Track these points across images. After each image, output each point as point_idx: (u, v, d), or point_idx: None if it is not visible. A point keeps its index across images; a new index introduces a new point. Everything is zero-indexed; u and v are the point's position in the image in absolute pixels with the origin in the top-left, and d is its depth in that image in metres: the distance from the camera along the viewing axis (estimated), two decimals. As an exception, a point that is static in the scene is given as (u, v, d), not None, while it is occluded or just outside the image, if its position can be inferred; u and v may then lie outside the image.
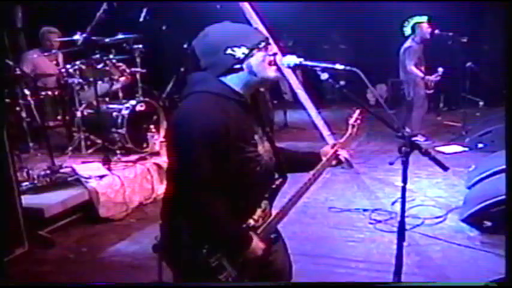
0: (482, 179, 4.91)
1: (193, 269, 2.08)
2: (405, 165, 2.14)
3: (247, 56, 2.03)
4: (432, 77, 7.38)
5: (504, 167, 4.78)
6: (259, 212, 2.17)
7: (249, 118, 2.10)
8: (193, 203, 2.01)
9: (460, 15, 8.74)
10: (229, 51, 2.01)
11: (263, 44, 2.07)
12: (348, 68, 2.12)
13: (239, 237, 2.10)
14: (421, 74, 7.35)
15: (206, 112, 1.96)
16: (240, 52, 2.01)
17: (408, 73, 7.45)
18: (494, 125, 6.90)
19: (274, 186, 2.24)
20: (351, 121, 2.55)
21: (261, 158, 2.12)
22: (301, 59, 2.15)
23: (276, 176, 2.25)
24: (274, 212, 2.25)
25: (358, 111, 2.54)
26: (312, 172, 2.32)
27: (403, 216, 2.27)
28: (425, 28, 7.37)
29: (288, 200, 2.22)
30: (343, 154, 2.47)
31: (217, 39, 2.04)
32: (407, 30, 7.48)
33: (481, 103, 9.16)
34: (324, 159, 2.40)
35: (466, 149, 6.92)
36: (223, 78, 2.05)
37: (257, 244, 2.11)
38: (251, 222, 2.15)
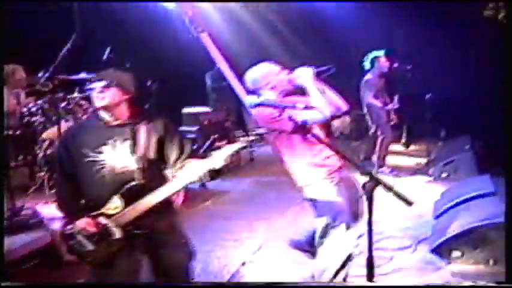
0: (449, 209, 4.97)
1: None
2: (370, 201, 2.15)
3: None
4: (390, 106, 7.57)
5: (470, 195, 4.91)
6: (109, 205, 2.78)
7: (103, 133, 2.84)
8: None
9: (419, 48, 9.01)
10: None
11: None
12: (308, 106, 2.14)
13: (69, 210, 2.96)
14: (379, 104, 7.52)
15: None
16: None
17: (369, 106, 7.63)
18: (457, 154, 7.04)
19: (128, 187, 2.78)
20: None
21: (104, 162, 2.80)
22: (262, 99, 2.16)
23: (133, 179, 2.79)
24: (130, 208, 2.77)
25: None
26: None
27: (370, 257, 2.24)
28: (383, 62, 7.59)
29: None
30: None
31: None
32: (367, 65, 7.67)
33: (443, 133, 9.35)
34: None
35: (431, 178, 7.02)
36: None
37: (84, 219, 2.82)
38: (103, 210, 2.79)
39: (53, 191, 5.73)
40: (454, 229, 4.29)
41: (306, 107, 2.16)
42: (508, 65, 7.38)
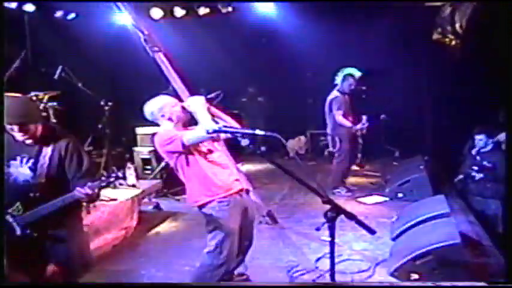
0: (406, 230, 4.99)
1: None
2: (332, 230, 2.09)
3: None
4: (359, 126, 7.42)
5: (426, 216, 4.95)
6: (14, 208, 3.28)
7: (15, 150, 3.30)
8: None
9: (373, 69, 9.16)
10: None
11: None
12: (268, 133, 2.09)
13: None
14: (349, 124, 7.35)
15: None
16: None
17: (337, 125, 7.39)
18: (412, 174, 7.11)
19: (29, 195, 3.29)
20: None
21: (10, 174, 3.30)
22: (221, 125, 2.10)
23: (32, 191, 3.29)
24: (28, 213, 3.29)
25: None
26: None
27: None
28: (352, 80, 7.49)
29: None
30: None
31: None
32: (338, 80, 7.58)
33: (397, 153, 9.51)
34: None
35: (387, 198, 7.05)
36: None
37: None
38: (9, 211, 3.29)
39: None
40: (412, 251, 4.29)
41: (265, 135, 2.09)
42: (459, 84, 7.63)
